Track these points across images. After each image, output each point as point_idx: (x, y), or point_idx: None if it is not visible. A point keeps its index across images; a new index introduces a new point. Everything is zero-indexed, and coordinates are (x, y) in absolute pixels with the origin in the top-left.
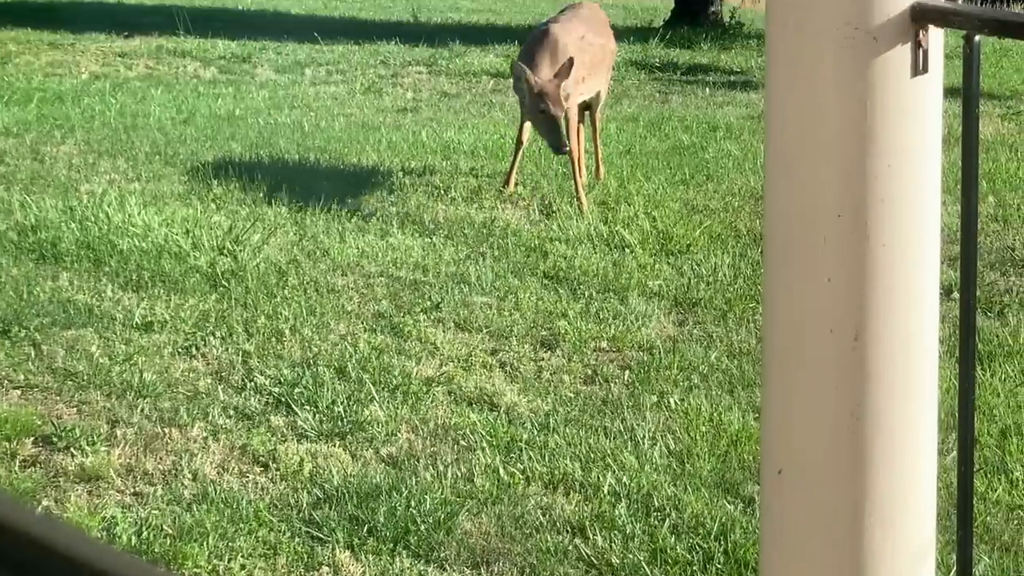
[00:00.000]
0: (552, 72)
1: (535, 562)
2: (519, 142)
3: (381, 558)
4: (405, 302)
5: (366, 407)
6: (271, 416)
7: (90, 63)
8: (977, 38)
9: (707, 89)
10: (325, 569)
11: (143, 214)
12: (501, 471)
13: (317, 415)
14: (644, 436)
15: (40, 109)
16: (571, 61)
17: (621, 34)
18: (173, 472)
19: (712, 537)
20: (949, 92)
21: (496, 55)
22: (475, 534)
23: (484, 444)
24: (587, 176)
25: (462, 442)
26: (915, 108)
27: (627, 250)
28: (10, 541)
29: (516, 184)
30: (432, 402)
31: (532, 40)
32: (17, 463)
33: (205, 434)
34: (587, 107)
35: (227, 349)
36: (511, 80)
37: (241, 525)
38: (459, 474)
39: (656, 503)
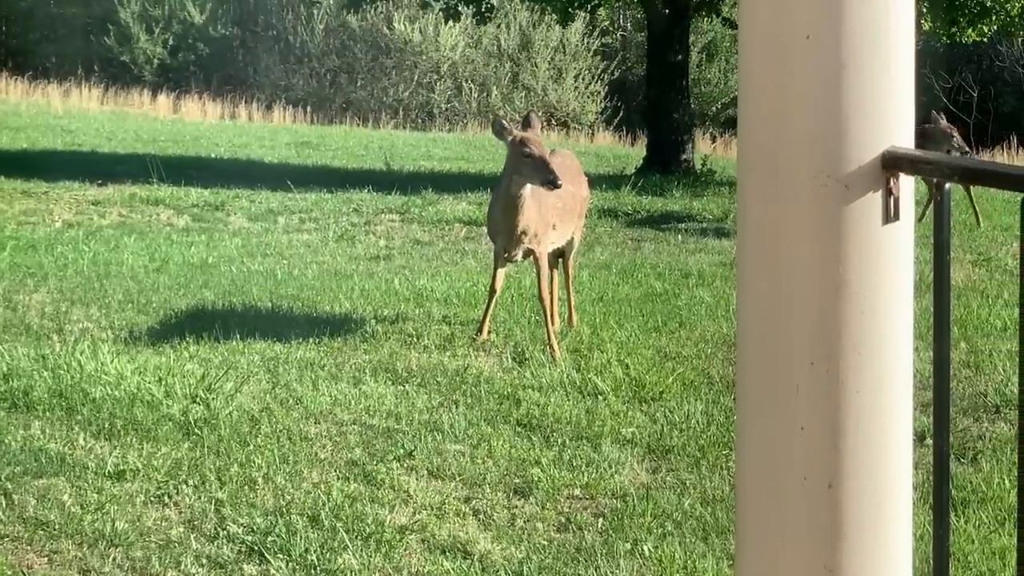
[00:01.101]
0: (523, 221)
1: None
2: (492, 290)
3: None
4: (378, 450)
5: (339, 555)
6: (244, 565)
7: (63, 211)
8: (948, 186)
9: (679, 236)
10: None
11: (116, 362)
12: None
13: (290, 563)
14: None
15: (13, 257)
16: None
17: (594, 181)
18: None
19: None
20: (920, 238)
21: (468, 203)
22: None
23: None
24: (560, 323)
25: None
26: (887, 255)
27: (600, 397)
28: None
29: (489, 332)
30: (405, 550)
31: (503, 187)
32: None
33: None
34: (560, 254)
35: (200, 497)
36: (484, 227)
37: None
38: None
39: None
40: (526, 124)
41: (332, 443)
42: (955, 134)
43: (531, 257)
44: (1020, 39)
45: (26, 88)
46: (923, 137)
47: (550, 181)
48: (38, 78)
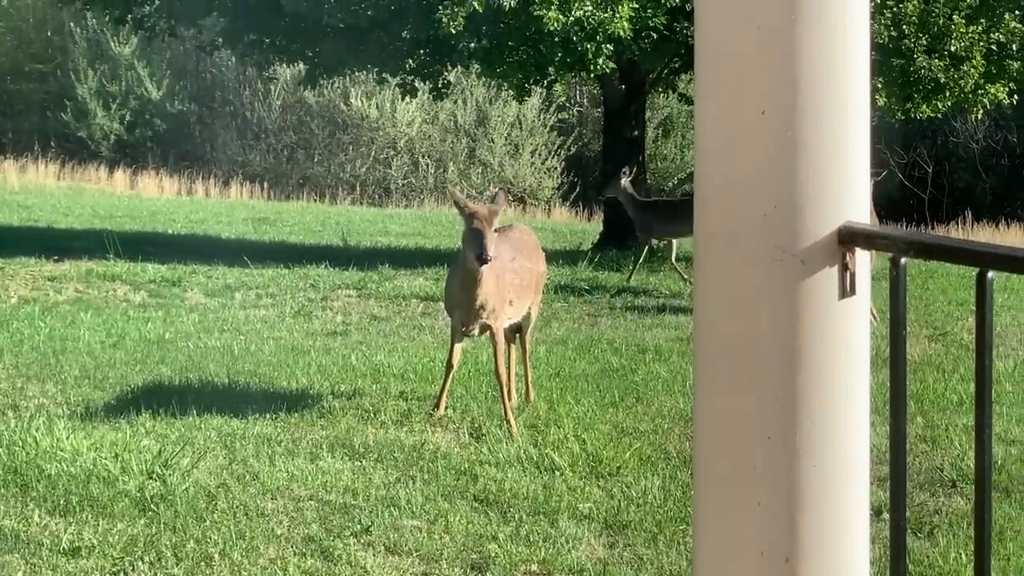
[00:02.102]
0: (480, 297)
1: None
2: (449, 365)
3: None
4: (335, 526)
5: None
6: None
7: (19, 287)
8: (903, 260)
9: (636, 312)
10: None
11: (72, 438)
12: None
13: None
14: None
15: None
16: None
17: (550, 257)
18: None
19: None
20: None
21: (425, 279)
22: None
23: None
24: (517, 399)
25: None
26: (843, 329)
27: (557, 473)
28: None
29: (446, 407)
30: None
31: (458, 263)
32: None
33: None
34: (517, 329)
35: (156, 574)
36: (441, 302)
37: None
38: None
39: None
40: (493, 201)
41: (289, 519)
42: None
43: (488, 332)
44: (974, 115)
45: None
46: None
47: (478, 256)
48: None
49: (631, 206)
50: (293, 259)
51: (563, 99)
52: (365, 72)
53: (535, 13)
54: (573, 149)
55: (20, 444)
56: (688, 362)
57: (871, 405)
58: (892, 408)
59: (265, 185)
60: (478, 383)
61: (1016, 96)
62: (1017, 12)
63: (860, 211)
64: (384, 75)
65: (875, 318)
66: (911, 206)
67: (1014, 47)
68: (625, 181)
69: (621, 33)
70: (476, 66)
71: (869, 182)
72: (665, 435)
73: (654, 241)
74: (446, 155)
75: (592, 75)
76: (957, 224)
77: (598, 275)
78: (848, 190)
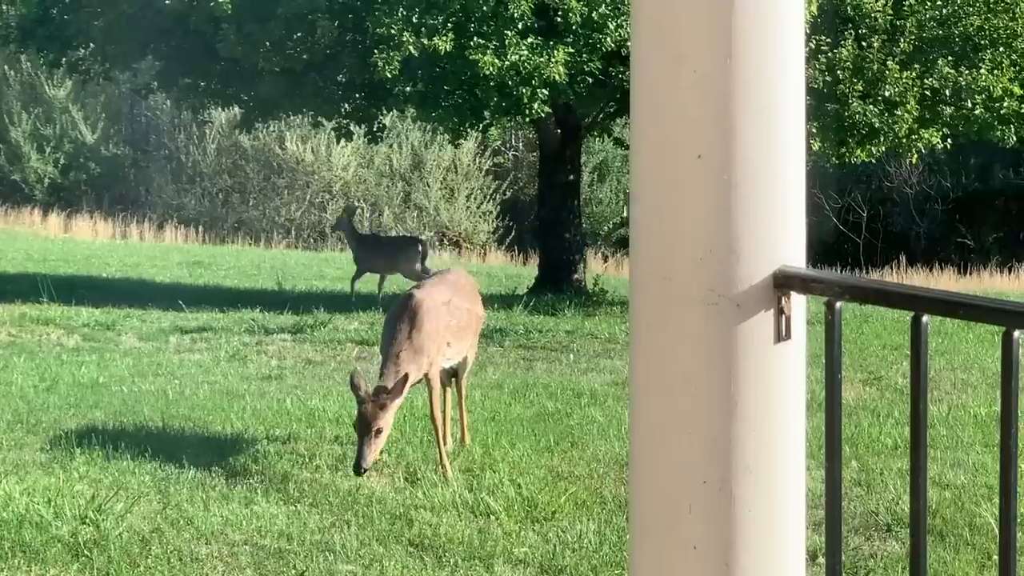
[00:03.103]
0: (411, 339)
1: None
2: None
3: None
4: (270, 570)
5: None
6: None
7: None
8: (838, 304)
9: (571, 356)
10: None
11: (3, 483)
12: None
13: None
14: None
15: None
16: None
17: (485, 301)
18: None
19: None
20: (811, 357)
21: (360, 323)
22: None
23: None
24: (452, 443)
25: None
26: (779, 374)
27: (492, 517)
28: None
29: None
30: None
31: (396, 306)
32: None
33: None
34: (453, 373)
35: None
36: (377, 346)
37: None
38: None
39: None
40: (402, 385)
41: (223, 564)
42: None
43: (425, 376)
44: (909, 160)
45: None
46: None
47: (355, 463)
48: None
49: (351, 240)
50: (228, 303)
51: (499, 143)
52: (300, 116)
53: (470, 57)
54: (509, 193)
55: None
56: (623, 406)
57: (806, 449)
58: (827, 452)
59: (200, 229)
60: (413, 427)
61: (949, 141)
62: (951, 58)
63: (796, 255)
64: (319, 119)
65: None
66: (846, 250)
67: (947, 92)
68: (347, 218)
69: (557, 78)
70: (411, 110)
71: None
72: (601, 479)
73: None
74: (381, 199)
75: (528, 119)
76: (891, 268)
77: (533, 319)
78: (784, 234)
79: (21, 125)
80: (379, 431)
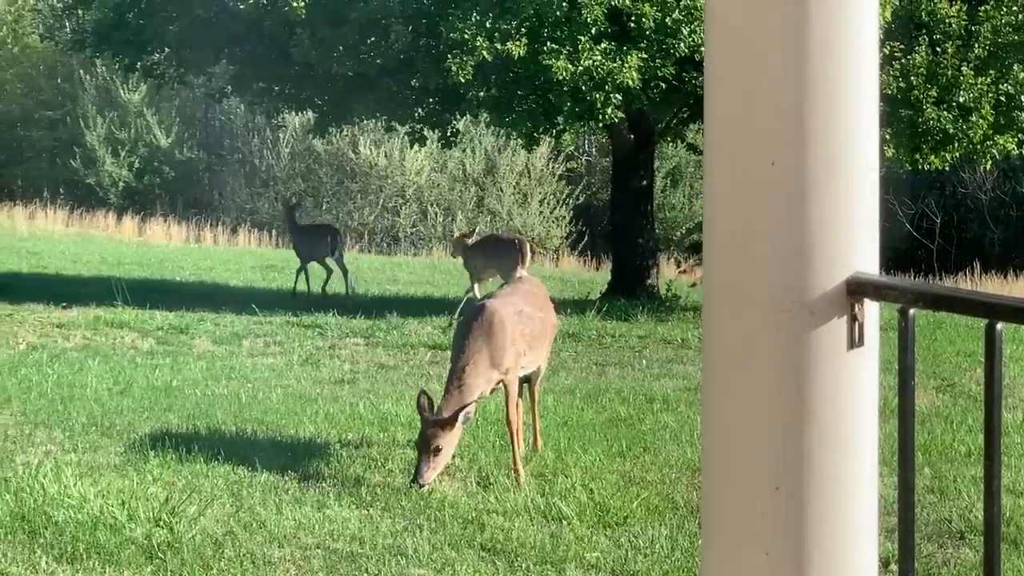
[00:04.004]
0: (481, 351)
1: None
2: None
3: None
4: (342, 574)
5: None
6: None
7: (27, 334)
8: (912, 311)
9: (644, 361)
10: None
11: (79, 485)
12: None
13: None
14: None
15: None
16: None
17: (558, 306)
18: None
19: None
20: (884, 364)
21: (433, 327)
22: None
23: None
24: (525, 448)
25: None
26: (851, 380)
27: (564, 522)
28: None
29: (454, 456)
30: None
31: (469, 315)
32: None
33: None
34: (526, 379)
35: None
36: (449, 351)
37: None
38: None
39: None
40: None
41: (296, 567)
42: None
43: (500, 382)
44: (983, 166)
45: None
46: None
47: (414, 474)
48: (3, 200)
49: (290, 231)
50: (301, 307)
51: (572, 148)
52: (374, 120)
53: (544, 62)
54: (581, 198)
55: (27, 491)
56: (696, 412)
57: (879, 456)
58: (900, 459)
59: (273, 232)
60: (485, 432)
61: None
62: None
63: (869, 261)
64: (393, 123)
65: None
66: (919, 257)
67: (1022, 98)
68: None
69: (630, 83)
70: (485, 115)
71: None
72: (673, 485)
73: (663, 289)
74: (455, 204)
75: (601, 125)
76: (965, 275)
77: (606, 324)
78: (857, 240)
79: (96, 129)
80: (438, 450)
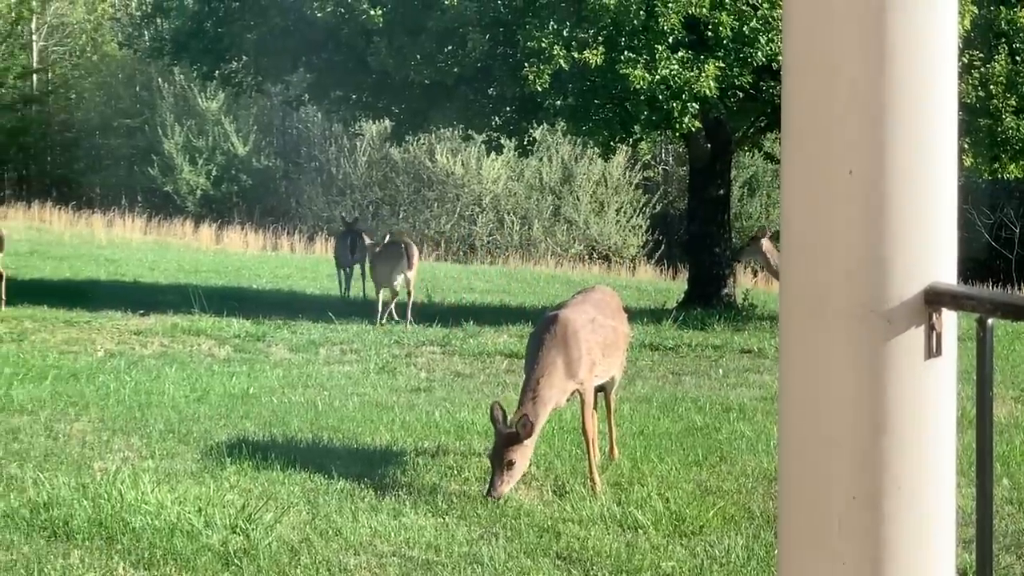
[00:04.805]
0: (555, 361)
1: None
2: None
3: None
4: None
5: None
6: None
7: (105, 341)
8: (990, 321)
9: (720, 370)
10: None
11: (156, 492)
12: None
13: None
14: None
15: (55, 386)
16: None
17: (634, 315)
18: None
19: None
20: (962, 373)
21: (509, 335)
22: None
23: None
24: (601, 456)
25: None
26: (929, 390)
27: (640, 531)
28: None
29: (530, 464)
30: None
31: (542, 325)
32: None
33: None
34: (601, 388)
35: None
36: (523, 362)
37: None
38: None
39: None
40: (528, 428)
41: (372, 575)
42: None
43: (576, 391)
44: None
45: (70, 218)
46: None
47: (488, 487)
48: (82, 208)
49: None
50: (377, 314)
51: (649, 157)
52: (451, 129)
53: (621, 71)
54: (658, 207)
55: (105, 497)
56: (772, 421)
57: (957, 466)
58: (978, 469)
59: None
60: (562, 440)
61: None
62: None
63: (947, 271)
64: (470, 132)
65: None
66: (997, 267)
67: None
68: None
69: (707, 92)
70: (562, 124)
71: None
72: (749, 494)
73: (739, 298)
74: (531, 212)
75: (678, 134)
76: None
77: (682, 333)
78: (935, 250)
79: (174, 137)
80: (511, 464)
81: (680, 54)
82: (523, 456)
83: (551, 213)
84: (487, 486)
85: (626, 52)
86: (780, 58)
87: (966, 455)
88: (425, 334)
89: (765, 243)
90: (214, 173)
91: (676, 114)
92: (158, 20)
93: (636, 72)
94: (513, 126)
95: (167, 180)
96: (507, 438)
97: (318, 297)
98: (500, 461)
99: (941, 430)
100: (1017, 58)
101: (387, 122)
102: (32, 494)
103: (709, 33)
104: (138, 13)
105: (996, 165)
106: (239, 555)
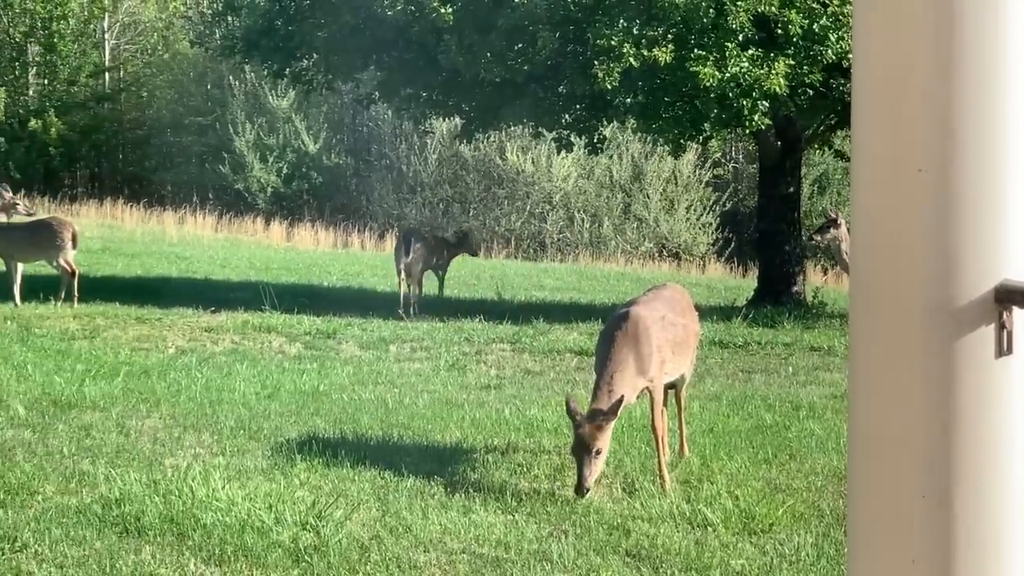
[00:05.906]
0: (627, 358)
1: None
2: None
3: None
4: None
5: None
6: None
7: (177, 338)
8: None
9: (790, 368)
10: None
11: (227, 488)
12: None
13: None
14: None
15: (126, 383)
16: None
17: (704, 313)
18: None
19: None
20: None
21: (580, 333)
22: None
23: None
24: (670, 454)
25: None
26: (999, 388)
27: (709, 529)
28: None
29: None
30: None
31: (613, 322)
32: None
33: None
34: (671, 385)
35: None
36: (592, 360)
37: None
38: None
39: None
40: (617, 406)
41: (441, 572)
42: None
43: (646, 388)
44: None
45: (142, 215)
46: None
47: (576, 485)
48: (153, 205)
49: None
50: (447, 312)
51: (719, 155)
52: (521, 126)
53: (691, 69)
54: (728, 205)
55: (177, 493)
56: (842, 420)
57: None
58: None
59: None
60: (631, 438)
61: None
62: None
63: (1018, 269)
64: (540, 129)
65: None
66: None
67: None
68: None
69: (777, 90)
70: (632, 121)
71: None
72: (819, 492)
73: (809, 296)
74: (601, 210)
75: (748, 131)
76: None
77: (752, 331)
78: (1005, 248)
79: (245, 135)
80: (598, 452)
81: (750, 52)
82: (606, 443)
83: (621, 211)
84: (577, 481)
85: (696, 50)
86: (850, 56)
87: None
88: (495, 331)
89: (843, 230)
90: (285, 171)
91: (746, 112)
92: (229, 18)
93: (706, 70)
94: (583, 124)
95: (238, 178)
96: (590, 427)
97: (389, 294)
98: (587, 451)
99: (1011, 428)
100: None
101: (457, 120)
102: (104, 490)
103: (779, 31)
104: (209, 11)
105: None
106: (309, 552)
